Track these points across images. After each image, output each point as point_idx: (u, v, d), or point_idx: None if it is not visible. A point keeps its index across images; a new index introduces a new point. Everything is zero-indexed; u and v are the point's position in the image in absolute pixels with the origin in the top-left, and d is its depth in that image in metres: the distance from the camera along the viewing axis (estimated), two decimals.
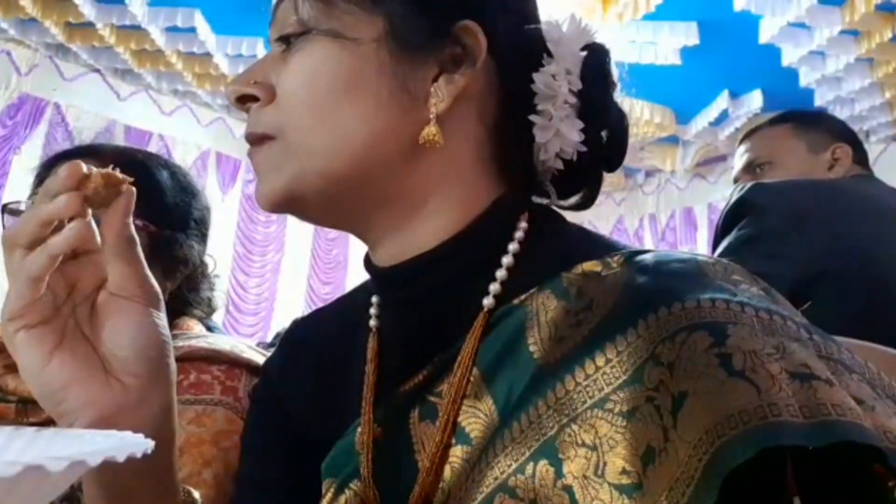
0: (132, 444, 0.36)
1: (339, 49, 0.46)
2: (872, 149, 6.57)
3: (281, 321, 6.94)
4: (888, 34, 4.51)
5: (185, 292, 0.85)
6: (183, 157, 6.56)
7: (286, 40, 0.48)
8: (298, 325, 0.62)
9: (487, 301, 0.45)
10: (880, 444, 0.32)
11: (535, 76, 0.48)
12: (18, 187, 5.82)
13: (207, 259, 0.87)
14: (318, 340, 0.58)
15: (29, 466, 0.28)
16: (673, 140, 6.70)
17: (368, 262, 0.53)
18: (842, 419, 0.32)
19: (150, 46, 5.43)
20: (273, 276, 7.31)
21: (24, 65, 5.87)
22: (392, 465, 0.45)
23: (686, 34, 4.80)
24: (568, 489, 0.35)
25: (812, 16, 4.39)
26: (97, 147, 0.87)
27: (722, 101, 5.81)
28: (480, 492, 0.38)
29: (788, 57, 5.05)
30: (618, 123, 0.50)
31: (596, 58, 0.49)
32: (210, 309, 0.89)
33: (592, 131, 0.49)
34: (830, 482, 0.35)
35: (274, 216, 7.49)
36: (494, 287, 0.45)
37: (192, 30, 5.12)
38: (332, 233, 8.13)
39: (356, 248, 8.32)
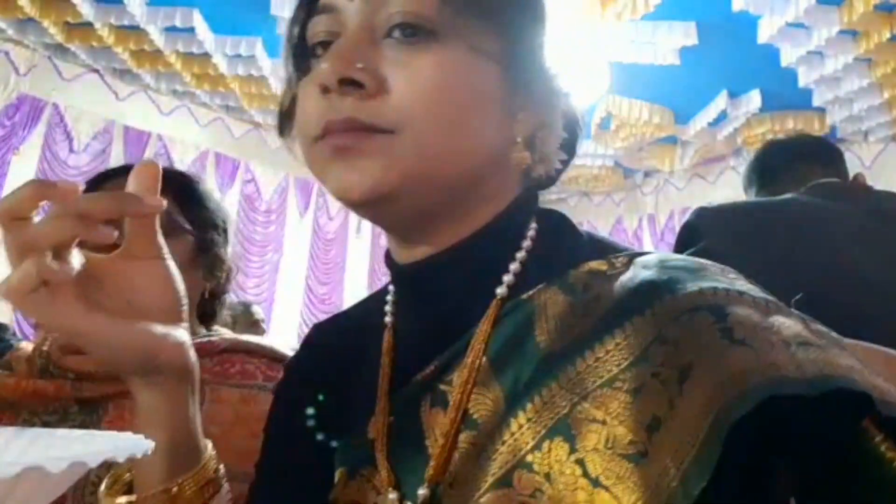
0: (132, 444, 0.36)
1: (473, 62, 0.47)
2: (871, 149, 6.58)
3: (279, 321, 6.95)
4: (887, 34, 4.52)
5: (219, 294, 0.92)
6: (181, 158, 6.56)
7: (405, 28, 0.46)
8: (318, 329, 0.65)
9: (501, 290, 0.47)
10: (871, 391, 0.35)
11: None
12: (16, 186, 5.82)
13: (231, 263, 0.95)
14: (335, 342, 0.61)
15: (29, 467, 0.28)
16: (671, 140, 6.71)
17: (389, 259, 0.55)
18: (836, 373, 0.36)
19: (149, 46, 5.44)
20: (272, 277, 7.32)
21: (22, 65, 5.87)
22: (404, 452, 0.47)
23: (685, 34, 4.80)
24: (580, 461, 0.38)
25: (810, 16, 4.40)
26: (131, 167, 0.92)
27: (721, 102, 5.82)
28: (493, 473, 0.40)
29: (787, 57, 5.05)
30: (571, 160, 0.57)
31: (572, 106, 0.55)
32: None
33: (565, 163, 0.55)
34: (822, 439, 0.38)
35: (273, 216, 7.49)
36: (508, 279, 0.48)
37: (191, 30, 5.12)
38: (331, 233, 8.14)
39: (353, 249, 8.33)
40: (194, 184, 0.91)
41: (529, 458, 0.40)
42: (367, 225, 8.53)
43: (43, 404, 0.77)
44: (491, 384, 0.44)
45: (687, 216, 1.35)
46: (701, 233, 1.26)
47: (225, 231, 0.93)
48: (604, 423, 0.38)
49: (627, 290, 0.43)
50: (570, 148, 0.55)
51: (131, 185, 0.48)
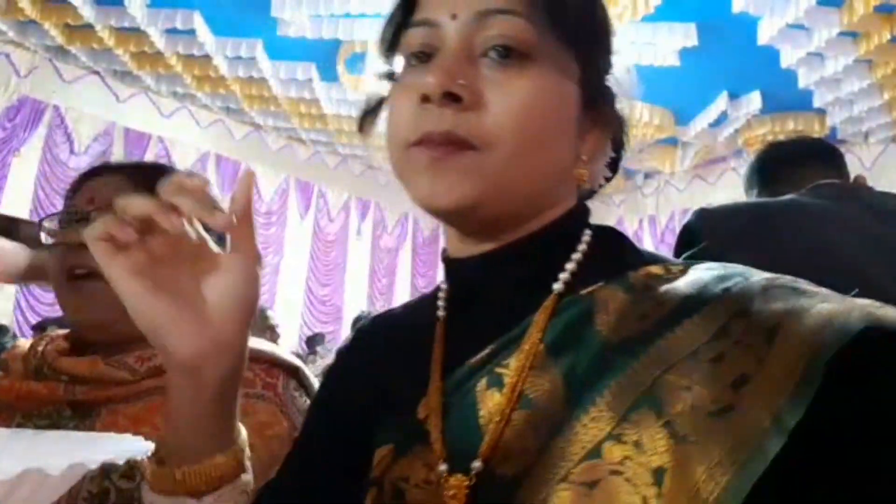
0: (131, 447, 0.37)
1: (561, 84, 0.51)
2: (871, 150, 6.58)
3: (280, 323, 6.95)
4: (887, 35, 4.52)
5: None
6: (182, 160, 6.57)
7: (501, 49, 0.50)
8: (372, 320, 0.69)
9: (558, 286, 0.51)
10: None
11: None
12: (18, 189, 5.83)
13: None
14: (386, 332, 0.65)
15: (28, 469, 0.29)
16: (672, 141, 6.71)
17: (444, 254, 0.59)
18: None
19: (150, 48, 5.45)
20: (272, 278, 7.32)
21: (23, 67, 5.88)
22: (457, 429, 0.50)
23: (685, 35, 4.81)
24: (668, 423, 0.41)
25: (811, 17, 4.41)
26: (117, 164, 0.94)
27: (721, 103, 5.82)
28: (576, 447, 0.43)
29: (787, 58, 5.06)
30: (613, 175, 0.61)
31: (624, 126, 0.59)
32: None
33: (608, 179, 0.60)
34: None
35: (273, 218, 7.50)
36: (564, 276, 0.52)
37: (192, 32, 5.13)
38: (331, 235, 8.15)
39: (353, 251, 8.33)
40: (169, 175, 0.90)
41: (617, 430, 0.43)
42: (367, 227, 8.53)
43: (36, 407, 0.76)
44: (548, 368, 0.48)
45: (687, 217, 1.36)
46: (701, 234, 1.26)
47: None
48: (688, 388, 0.42)
49: (697, 284, 0.48)
50: (614, 166, 0.59)
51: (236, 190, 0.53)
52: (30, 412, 0.75)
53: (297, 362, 0.86)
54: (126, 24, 5.09)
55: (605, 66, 0.56)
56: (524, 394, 0.48)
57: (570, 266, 0.52)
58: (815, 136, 6.36)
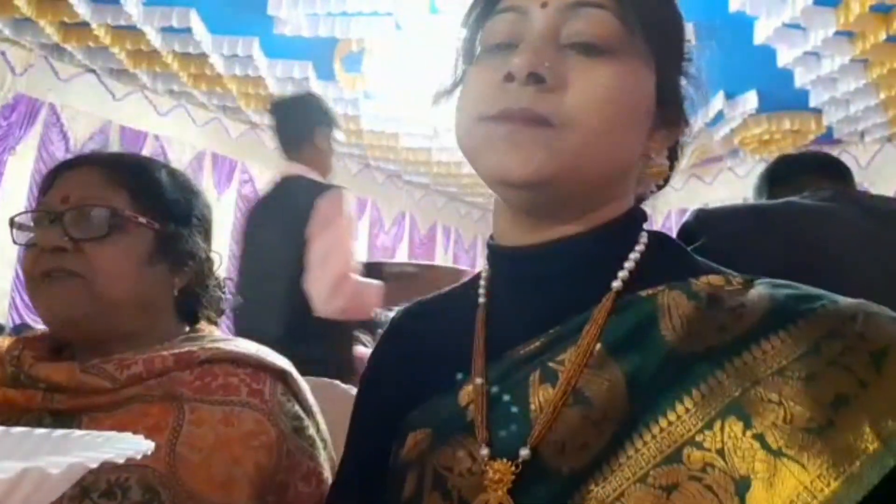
0: (131, 446, 0.37)
1: (641, 77, 0.53)
2: (867, 149, 6.60)
3: None
4: (882, 35, 4.53)
5: (196, 289, 0.86)
6: (178, 158, 6.54)
7: (588, 40, 0.51)
8: (405, 311, 0.68)
9: (616, 284, 0.52)
10: None
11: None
12: (14, 187, 5.81)
13: (213, 255, 0.88)
14: (420, 322, 0.65)
15: (28, 468, 0.29)
16: None
17: (491, 241, 0.59)
18: None
19: (146, 47, 5.42)
20: None
21: (18, 65, 5.86)
22: (505, 418, 0.50)
23: None
24: (758, 436, 0.41)
25: (807, 17, 4.41)
26: (94, 155, 0.88)
27: (717, 102, 5.82)
28: (661, 450, 0.43)
29: (783, 58, 5.06)
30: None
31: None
32: (220, 310, 0.90)
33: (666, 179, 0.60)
34: None
35: None
36: (623, 274, 0.52)
37: (188, 30, 5.11)
38: None
39: None
40: (152, 172, 0.84)
41: (699, 437, 0.43)
42: (363, 225, 8.52)
43: (15, 416, 0.72)
44: (608, 367, 0.48)
45: (685, 217, 1.36)
46: (699, 235, 1.26)
47: (200, 220, 0.86)
48: (780, 403, 0.42)
49: (775, 301, 0.48)
50: (676, 156, 0.61)
51: None
52: (6, 420, 0.70)
53: (285, 365, 0.82)
54: (122, 22, 5.06)
55: (679, 68, 0.58)
56: (580, 391, 0.48)
57: (628, 265, 0.53)
58: (812, 135, 6.37)
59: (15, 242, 0.80)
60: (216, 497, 0.66)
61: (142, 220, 0.79)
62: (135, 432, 0.66)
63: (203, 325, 0.87)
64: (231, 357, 0.78)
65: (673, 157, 0.60)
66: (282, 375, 0.80)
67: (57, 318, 0.77)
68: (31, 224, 0.80)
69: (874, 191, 6.77)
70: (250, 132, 7.34)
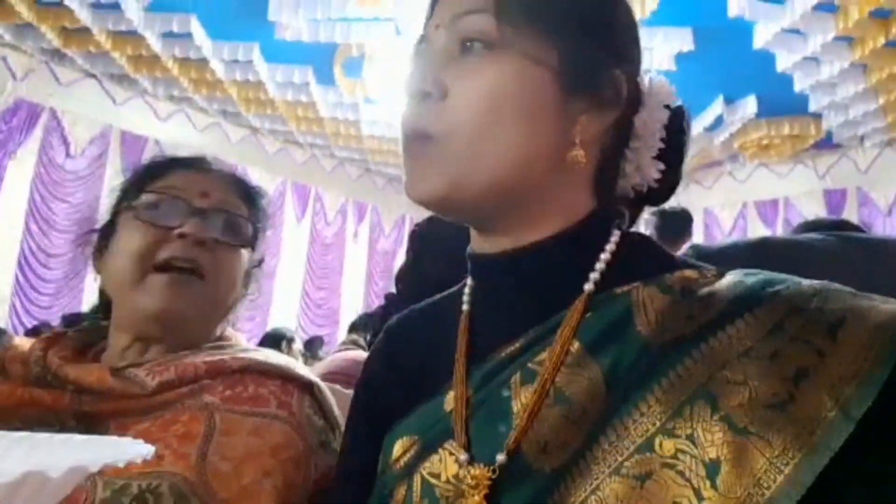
0: (132, 450, 0.37)
1: (526, 70, 0.51)
2: (867, 154, 6.61)
3: (276, 326, 6.94)
4: (881, 40, 4.54)
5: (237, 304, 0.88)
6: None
7: (468, 43, 0.52)
8: (399, 318, 0.69)
9: (588, 286, 0.52)
10: None
11: (635, 118, 0.57)
12: (14, 192, 5.82)
13: None
14: (412, 332, 0.66)
15: (29, 471, 0.29)
16: None
17: (470, 250, 0.60)
18: None
19: (147, 52, 5.44)
20: (268, 282, 7.30)
21: (19, 70, 5.87)
22: (488, 421, 0.51)
23: (681, 40, 4.82)
24: (724, 417, 0.42)
25: (806, 22, 4.43)
26: (212, 163, 0.91)
27: (717, 107, 5.84)
28: (633, 441, 0.44)
29: (783, 63, 5.08)
30: (678, 173, 0.60)
31: (680, 115, 0.60)
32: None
33: (666, 174, 0.58)
34: None
35: (270, 221, 7.48)
36: (594, 276, 0.52)
37: (189, 35, 5.12)
38: (328, 238, 8.14)
39: (350, 254, 8.33)
40: (261, 197, 0.89)
41: (670, 425, 0.43)
42: (364, 230, 8.53)
43: (39, 416, 0.70)
44: (587, 365, 0.48)
45: (681, 251, 1.35)
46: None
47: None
48: (744, 384, 0.43)
49: (742, 287, 0.49)
50: (672, 158, 0.59)
51: None
52: (31, 420, 0.69)
53: (313, 377, 0.81)
54: (123, 28, 5.08)
55: (600, 48, 0.55)
56: (560, 390, 0.48)
57: (599, 266, 0.53)
58: (811, 139, 6.38)
59: (136, 216, 0.76)
60: None
61: (254, 241, 0.84)
62: (165, 440, 0.66)
63: (230, 333, 0.86)
64: (262, 368, 0.77)
65: (673, 159, 0.59)
66: (309, 388, 0.79)
67: (168, 313, 0.74)
68: (154, 204, 0.77)
69: (874, 195, 6.79)
70: (251, 137, 7.35)
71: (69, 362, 0.73)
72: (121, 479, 0.62)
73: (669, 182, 0.59)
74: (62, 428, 0.69)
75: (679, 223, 2.78)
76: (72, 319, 3.75)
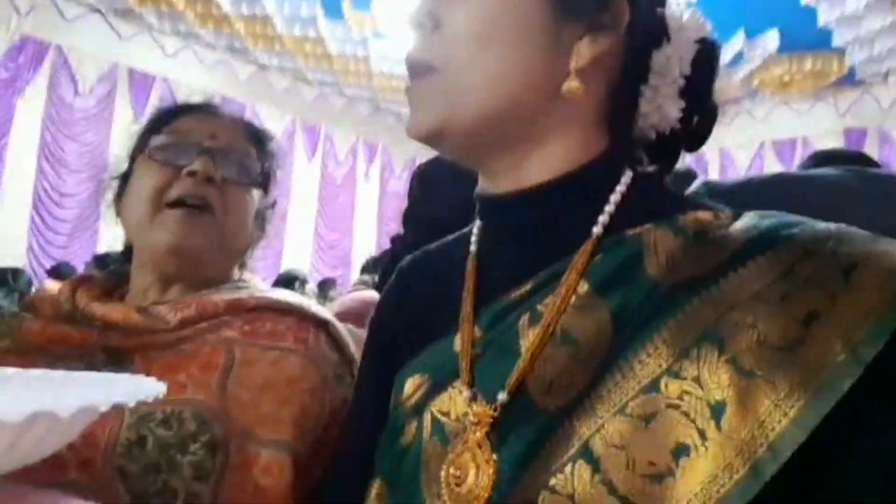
0: (143, 388, 0.37)
1: None
2: (890, 90, 6.42)
3: (289, 268, 7.01)
4: None
5: (254, 245, 0.92)
6: (187, 101, 6.49)
7: None
8: (412, 259, 0.69)
9: (597, 229, 0.51)
10: None
11: (654, 54, 0.54)
12: (24, 130, 5.80)
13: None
14: (423, 269, 0.66)
15: (39, 410, 0.29)
16: None
17: (477, 190, 0.59)
18: None
19: None
20: (279, 224, 7.30)
21: (23, 5, 5.77)
22: (495, 361, 0.51)
23: None
24: (731, 359, 0.41)
25: None
26: (222, 108, 0.93)
27: (737, 42, 5.66)
28: (639, 381, 0.44)
29: None
30: (710, 112, 0.57)
31: (709, 51, 0.56)
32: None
33: (689, 113, 0.55)
34: None
35: (279, 161, 7.45)
36: (603, 218, 0.52)
37: None
38: (339, 179, 8.11)
39: (361, 195, 8.31)
40: (270, 140, 0.92)
41: (676, 366, 0.43)
42: (375, 170, 8.48)
43: (69, 351, 0.75)
44: (595, 306, 0.48)
45: (693, 186, 1.32)
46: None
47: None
48: (753, 326, 0.42)
49: (757, 229, 0.47)
50: (698, 97, 0.55)
51: None
52: (62, 356, 0.74)
53: (328, 315, 0.84)
54: None
55: None
56: (567, 331, 0.48)
57: (608, 208, 0.52)
58: (833, 76, 6.20)
59: (149, 157, 0.80)
60: (264, 433, 0.69)
61: (265, 183, 0.87)
62: (187, 370, 0.71)
63: (248, 275, 0.91)
64: (278, 306, 0.81)
65: (699, 97, 0.56)
66: (325, 325, 0.83)
67: (182, 247, 0.77)
68: (165, 145, 0.81)
69: (895, 134, 6.64)
70: (259, 74, 7.25)
71: (96, 301, 0.77)
72: (145, 406, 0.66)
73: (700, 123, 0.57)
74: (92, 361, 0.74)
75: (683, 184, 2.72)
76: (100, 259, 3.86)
